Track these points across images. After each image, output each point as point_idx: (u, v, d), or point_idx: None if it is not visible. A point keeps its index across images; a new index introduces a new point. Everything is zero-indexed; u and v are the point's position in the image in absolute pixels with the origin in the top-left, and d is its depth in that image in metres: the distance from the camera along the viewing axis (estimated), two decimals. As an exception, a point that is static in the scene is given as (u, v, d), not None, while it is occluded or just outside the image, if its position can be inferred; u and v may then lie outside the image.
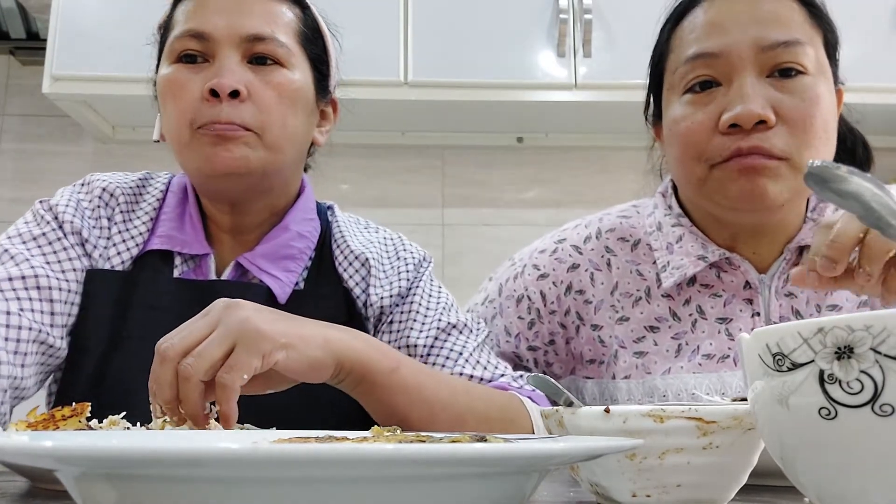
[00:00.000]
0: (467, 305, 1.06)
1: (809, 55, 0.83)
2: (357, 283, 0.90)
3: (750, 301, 0.89)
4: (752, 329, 0.87)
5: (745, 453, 0.46)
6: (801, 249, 0.90)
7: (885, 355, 0.32)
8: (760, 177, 0.80)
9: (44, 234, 0.84)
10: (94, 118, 2.19)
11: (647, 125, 0.98)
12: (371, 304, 0.89)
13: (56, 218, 0.85)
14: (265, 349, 0.58)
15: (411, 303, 0.89)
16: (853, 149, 0.95)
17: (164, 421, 0.58)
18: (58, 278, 0.81)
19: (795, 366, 0.35)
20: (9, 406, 0.75)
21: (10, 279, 0.78)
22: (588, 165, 2.38)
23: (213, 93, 0.80)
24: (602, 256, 0.96)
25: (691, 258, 0.90)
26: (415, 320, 0.88)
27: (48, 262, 0.82)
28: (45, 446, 0.30)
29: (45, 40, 2.01)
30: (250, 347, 0.58)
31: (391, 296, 0.89)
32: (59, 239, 0.84)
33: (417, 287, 0.90)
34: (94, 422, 0.57)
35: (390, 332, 0.89)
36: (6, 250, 0.81)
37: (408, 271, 0.91)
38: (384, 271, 0.91)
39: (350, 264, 0.91)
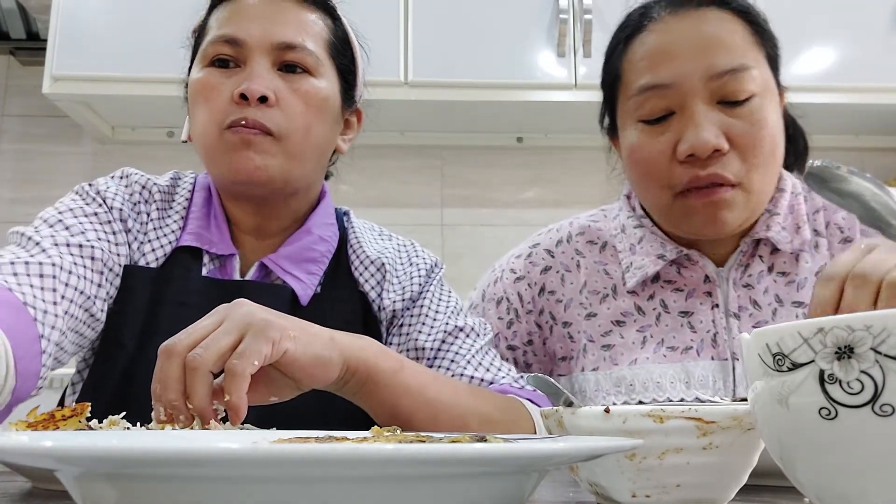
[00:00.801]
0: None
1: (756, 79, 0.86)
2: (372, 288, 0.92)
3: (710, 294, 0.93)
4: (713, 320, 0.91)
5: (745, 453, 0.46)
6: (758, 242, 0.93)
7: (886, 355, 0.32)
8: (720, 210, 0.85)
9: (96, 213, 0.85)
10: (94, 118, 2.19)
11: (602, 134, 1.01)
12: (384, 308, 0.91)
13: (105, 201, 0.87)
14: (274, 337, 0.58)
15: (421, 306, 0.91)
16: (795, 137, 0.99)
17: (164, 421, 0.58)
18: (109, 252, 0.83)
19: (795, 366, 0.35)
20: (50, 366, 0.74)
21: (68, 245, 0.80)
22: (587, 165, 2.38)
23: (243, 97, 0.82)
24: (572, 258, 1.01)
25: (651, 258, 0.95)
26: (423, 324, 0.89)
27: (100, 238, 0.83)
28: (45, 446, 0.30)
29: (45, 40, 2.01)
30: (259, 335, 0.57)
31: (403, 300, 0.91)
32: (109, 222, 0.86)
33: (427, 291, 0.92)
34: (94, 422, 0.57)
35: (399, 335, 0.90)
36: (60, 220, 0.82)
37: (420, 276, 0.93)
38: (398, 277, 0.93)
39: (366, 269, 0.93)
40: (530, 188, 2.39)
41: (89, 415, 0.56)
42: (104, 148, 2.35)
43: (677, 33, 0.87)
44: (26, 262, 0.75)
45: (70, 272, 0.77)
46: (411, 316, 0.90)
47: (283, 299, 0.86)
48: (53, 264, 0.76)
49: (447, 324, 0.89)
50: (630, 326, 0.95)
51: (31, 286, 0.73)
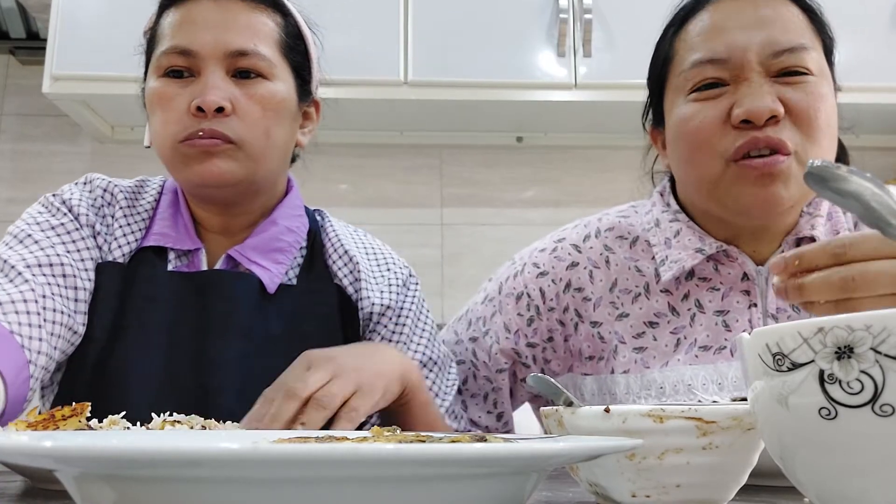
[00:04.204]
0: (467, 305, 1.06)
1: (813, 59, 0.85)
2: (350, 283, 0.94)
3: (747, 292, 0.90)
4: (749, 320, 0.89)
5: (745, 453, 0.46)
6: (799, 241, 0.91)
7: (886, 355, 0.32)
8: (775, 182, 0.82)
9: (62, 223, 0.87)
10: (93, 118, 2.19)
11: (644, 131, 0.99)
12: (363, 308, 0.93)
13: (71, 210, 0.88)
14: (377, 398, 0.73)
15: (403, 325, 0.94)
16: (840, 155, 0.97)
17: (164, 421, 0.58)
18: (79, 267, 0.85)
19: (795, 366, 0.35)
20: (34, 388, 0.77)
21: (40, 265, 0.81)
22: (588, 165, 2.37)
23: (200, 109, 0.84)
24: (601, 254, 0.97)
25: (689, 251, 0.91)
26: (406, 346, 0.94)
27: (68, 252, 0.85)
28: (45, 446, 0.30)
29: (45, 40, 2.01)
30: (366, 396, 0.71)
31: (381, 305, 0.93)
32: (76, 229, 0.87)
33: (409, 310, 0.95)
34: (94, 421, 0.57)
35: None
36: (29, 235, 0.84)
37: (398, 286, 0.95)
38: (374, 278, 0.94)
39: (340, 258, 0.95)
40: (530, 188, 2.38)
41: (89, 415, 0.56)
42: (103, 147, 2.35)
43: (734, 11, 0.86)
44: (9, 292, 0.77)
45: (45, 296, 0.79)
46: (392, 333, 0.93)
47: (251, 287, 0.88)
48: (33, 290, 0.79)
49: (423, 354, 0.93)
50: (663, 328, 0.92)
51: (17, 312, 0.76)
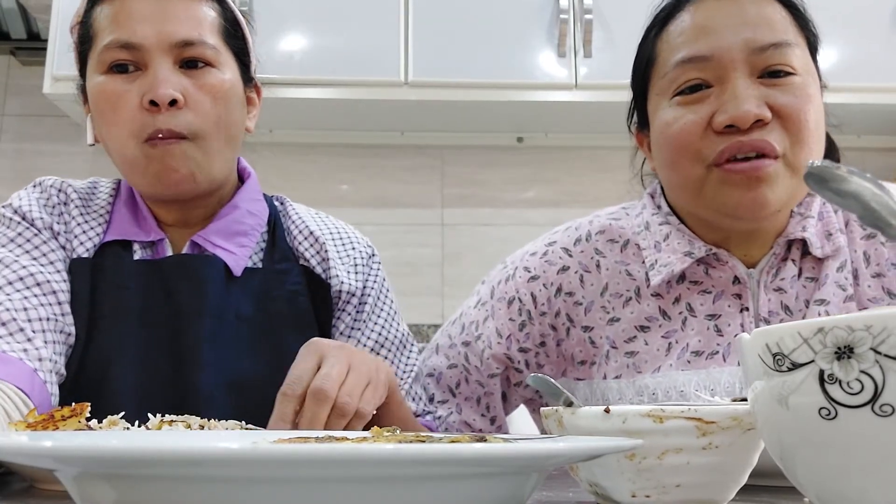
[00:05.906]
0: (461, 308, 1.06)
1: (798, 56, 0.84)
2: (318, 263, 0.94)
3: (739, 296, 0.89)
4: (741, 324, 0.88)
5: (745, 453, 0.46)
6: (790, 243, 0.90)
7: (885, 355, 0.32)
8: (761, 185, 0.81)
9: (19, 234, 0.85)
10: (94, 118, 2.19)
11: (630, 133, 0.99)
12: (333, 287, 0.93)
13: (24, 217, 0.87)
14: (381, 392, 0.74)
15: (364, 304, 0.95)
16: (830, 151, 0.96)
17: (162, 420, 0.59)
18: (49, 271, 0.84)
19: (795, 366, 0.35)
20: (57, 383, 0.79)
21: (10, 283, 0.80)
22: (588, 165, 2.38)
23: (153, 103, 0.82)
24: (591, 258, 0.97)
25: (678, 255, 0.90)
26: (364, 323, 0.95)
27: (34, 259, 0.84)
28: (45, 446, 0.30)
29: (45, 40, 2.01)
30: (375, 389, 0.73)
31: (348, 284, 0.94)
32: (36, 235, 0.86)
33: (371, 288, 0.96)
34: (93, 422, 0.57)
35: (341, 330, 0.95)
36: None
37: (362, 265, 0.97)
38: (340, 258, 0.95)
39: (305, 239, 0.95)
40: (530, 188, 2.39)
41: (88, 415, 0.56)
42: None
43: (717, 10, 0.85)
44: None
45: (26, 308, 0.79)
46: (356, 312, 0.95)
47: (217, 269, 0.87)
48: (7, 309, 0.77)
49: (380, 335, 0.95)
50: (655, 332, 0.91)
51: (1, 337, 0.75)
